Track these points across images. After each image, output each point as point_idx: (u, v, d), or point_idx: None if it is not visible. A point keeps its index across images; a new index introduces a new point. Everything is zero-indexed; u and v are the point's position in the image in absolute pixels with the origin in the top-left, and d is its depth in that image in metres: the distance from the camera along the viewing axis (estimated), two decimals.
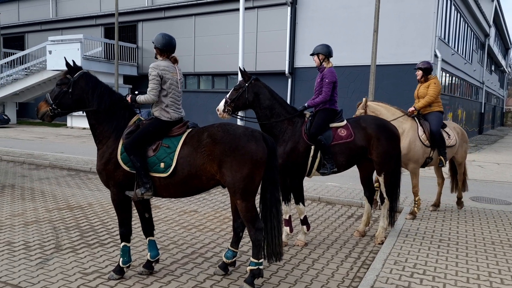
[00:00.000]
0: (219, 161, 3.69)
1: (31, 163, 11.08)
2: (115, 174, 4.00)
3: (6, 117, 23.09)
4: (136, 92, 4.29)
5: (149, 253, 4.27)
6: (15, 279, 4.04)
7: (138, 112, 4.29)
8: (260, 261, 3.84)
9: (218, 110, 5.17)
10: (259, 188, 3.94)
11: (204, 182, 3.86)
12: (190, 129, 4.08)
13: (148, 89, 4.06)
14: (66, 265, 4.40)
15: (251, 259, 3.86)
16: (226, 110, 5.11)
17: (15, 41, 29.81)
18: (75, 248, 4.92)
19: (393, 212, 5.56)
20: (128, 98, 4.15)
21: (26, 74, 23.96)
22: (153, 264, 4.29)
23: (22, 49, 27.91)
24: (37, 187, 8.26)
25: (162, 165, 3.85)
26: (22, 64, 24.81)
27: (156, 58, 4.21)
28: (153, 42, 4.18)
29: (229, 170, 3.67)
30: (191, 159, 3.79)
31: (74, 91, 4.04)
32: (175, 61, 4.24)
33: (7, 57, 26.38)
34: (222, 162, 3.68)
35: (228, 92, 5.22)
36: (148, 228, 4.35)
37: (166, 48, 4.14)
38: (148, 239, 4.33)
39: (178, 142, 3.92)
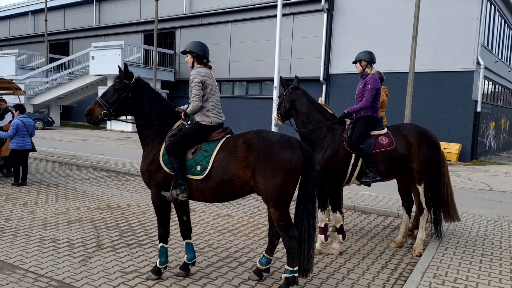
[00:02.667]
0: (253, 168, 3.71)
1: (74, 164, 11.57)
2: (156, 175, 4.12)
3: (50, 120, 24.23)
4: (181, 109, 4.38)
5: (186, 255, 4.36)
6: (59, 275, 4.23)
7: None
8: (295, 269, 3.83)
9: (275, 117, 5.64)
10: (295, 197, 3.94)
11: (238, 188, 3.89)
12: (229, 135, 4.15)
13: (191, 96, 4.16)
14: (107, 264, 4.57)
15: (286, 266, 3.86)
16: (278, 117, 5.44)
17: (61, 47, 31.30)
18: (115, 248, 5.09)
19: (438, 224, 5.41)
20: (182, 116, 4.25)
21: (70, 79, 25.07)
22: (189, 266, 4.38)
23: (67, 54, 29.29)
24: (79, 187, 8.62)
25: (198, 167, 3.94)
26: (67, 69, 26.04)
27: (192, 66, 4.27)
28: (186, 51, 4.24)
29: (262, 177, 3.67)
30: (225, 164, 3.85)
31: (134, 96, 4.18)
32: (210, 67, 4.35)
33: (53, 62, 27.72)
34: (255, 169, 3.70)
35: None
36: (186, 231, 4.45)
37: (204, 55, 4.26)
38: (185, 241, 4.43)
39: (216, 147, 4.00)
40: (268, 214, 4.24)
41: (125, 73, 4.20)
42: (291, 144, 3.78)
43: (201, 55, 4.23)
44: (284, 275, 3.88)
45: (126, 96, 4.15)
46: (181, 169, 3.96)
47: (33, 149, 8.71)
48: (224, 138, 4.09)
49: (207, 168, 3.91)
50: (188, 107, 4.25)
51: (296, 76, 5.56)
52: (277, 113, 5.44)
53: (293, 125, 5.41)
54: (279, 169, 3.65)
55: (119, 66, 4.27)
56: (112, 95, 4.17)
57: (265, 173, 3.67)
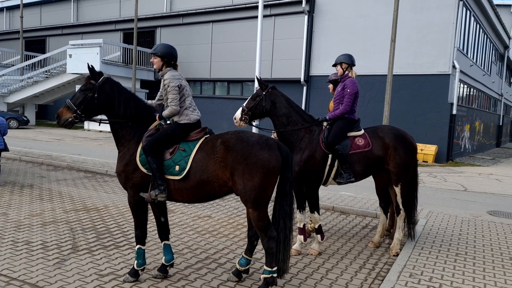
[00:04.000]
0: (231, 169, 3.71)
1: (49, 164, 11.29)
2: (133, 176, 4.07)
3: (25, 119, 23.60)
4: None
5: (164, 257, 4.31)
6: (33, 278, 4.11)
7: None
8: (274, 269, 3.83)
9: (235, 118, 5.23)
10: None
11: (217, 189, 3.88)
12: (207, 135, 4.14)
13: (168, 101, 4.14)
14: (83, 266, 4.47)
15: (265, 267, 3.86)
16: (243, 118, 5.16)
17: (37, 44, 30.57)
18: (91, 250, 4.99)
19: (411, 224, 5.51)
20: (157, 118, 4.22)
21: (46, 77, 24.50)
22: (167, 268, 4.33)
23: (43, 52, 28.61)
24: (55, 188, 8.41)
25: (177, 168, 3.92)
26: (43, 67, 25.43)
27: (160, 69, 4.23)
28: (154, 54, 4.21)
29: (241, 178, 3.68)
30: (204, 165, 3.84)
31: (100, 96, 4.11)
32: (176, 69, 4.34)
33: (28, 59, 27.03)
34: (234, 170, 3.70)
35: (244, 99, 5.31)
36: (164, 232, 4.40)
37: (174, 58, 4.26)
38: (163, 243, 4.37)
39: (194, 147, 3.98)
40: (247, 214, 4.23)
41: (91, 73, 4.13)
42: (269, 145, 3.79)
43: (167, 58, 4.21)
44: (262, 276, 3.88)
45: (92, 96, 4.08)
46: (159, 169, 3.92)
47: (5, 149, 8.46)
48: (203, 138, 4.07)
49: (185, 169, 3.89)
50: (158, 100, 4.30)
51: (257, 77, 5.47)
52: (245, 114, 5.12)
53: (258, 127, 5.70)
54: (257, 169, 3.66)
55: (88, 65, 4.19)
56: (78, 96, 4.11)
57: (243, 173, 3.67)
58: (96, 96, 4.09)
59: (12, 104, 25.57)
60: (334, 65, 5.45)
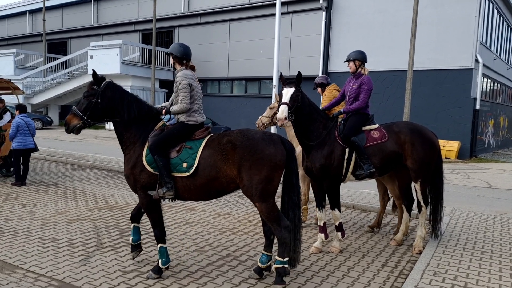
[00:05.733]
0: (239, 166, 3.83)
1: (73, 163, 11.56)
2: (140, 177, 4.16)
3: (49, 119, 24.20)
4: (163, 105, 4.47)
5: (131, 237, 4.57)
6: (59, 275, 4.22)
7: (163, 118, 4.44)
8: (286, 259, 3.93)
9: (278, 119, 4.59)
10: (281, 191, 4.09)
11: (225, 185, 4.00)
12: (212, 134, 4.26)
13: (179, 98, 4.22)
14: (107, 263, 4.56)
15: (277, 257, 3.93)
16: (290, 116, 4.62)
17: (59, 46, 31.26)
18: (115, 247, 5.09)
19: (437, 223, 5.42)
20: (163, 112, 4.33)
21: (69, 78, 25.04)
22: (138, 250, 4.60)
23: (65, 54, 29.25)
24: (79, 186, 8.61)
25: (184, 165, 4.02)
26: (65, 68, 26.01)
27: (174, 68, 4.37)
28: (168, 53, 4.34)
29: (247, 173, 3.80)
30: (211, 161, 3.95)
31: (103, 101, 4.18)
32: (193, 68, 4.42)
33: (51, 61, 27.67)
34: (241, 167, 3.83)
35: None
36: (138, 215, 4.62)
37: (186, 57, 4.32)
38: (133, 225, 4.61)
39: (200, 144, 4.09)
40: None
41: (94, 78, 4.20)
42: (274, 140, 3.96)
43: (179, 56, 4.29)
44: (274, 266, 3.97)
45: (95, 102, 4.15)
46: (166, 167, 4.02)
47: (35, 149, 8.70)
48: (208, 136, 4.20)
49: (193, 165, 3.99)
50: (171, 104, 4.35)
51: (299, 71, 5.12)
52: (289, 112, 4.60)
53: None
54: (264, 164, 3.82)
55: (93, 71, 4.27)
56: (83, 102, 4.20)
57: (250, 168, 3.81)
58: (99, 101, 4.16)
59: (36, 105, 26.24)
60: (347, 61, 5.41)
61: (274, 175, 3.86)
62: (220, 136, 4.10)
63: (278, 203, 4.13)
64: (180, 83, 4.20)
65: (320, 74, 18.90)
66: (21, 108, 8.66)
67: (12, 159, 8.68)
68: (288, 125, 5.24)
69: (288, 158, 3.98)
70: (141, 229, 5.81)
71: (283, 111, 4.56)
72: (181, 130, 4.20)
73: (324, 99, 6.37)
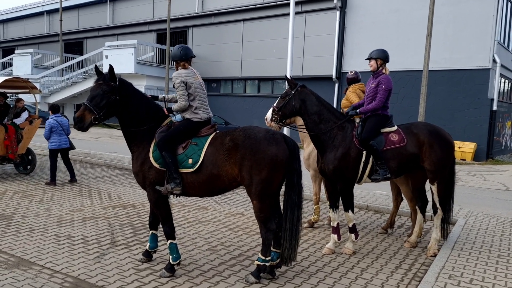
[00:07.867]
0: (240, 165, 3.89)
1: (88, 162, 11.71)
2: (149, 173, 4.23)
3: (65, 118, 24.54)
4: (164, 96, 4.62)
5: (148, 244, 4.62)
6: (74, 272, 4.29)
7: (171, 115, 4.50)
8: (268, 258, 4.07)
9: (266, 119, 5.24)
10: (283, 190, 4.13)
11: (227, 183, 4.07)
12: (217, 131, 4.33)
13: (177, 97, 4.34)
14: (121, 261, 4.61)
15: (259, 255, 4.10)
16: (273, 118, 5.12)
17: (75, 46, 31.74)
18: (129, 245, 5.14)
19: (446, 223, 5.34)
20: (165, 111, 4.42)
21: (84, 78, 25.39)
22: (151, 253, 4.64)
23: (81, 54, 29.68)
24: (93, 185, 8.72)
25: (190, 161, 4.10)
26: (81, 68, 26.38)
27: (177, 69, 4.48)
28: (173, 59, 4.46)
29: (248, 172, 3.86)
30: (214, 159, 4.02)
31: (121, 98, 4.21)
32: (186, 67, 4.45)
33: (67, 61, 28.10)
34: (242, 166, 3.88)
35: (275, 97, 5.29)
36: (155, 223, 4.66)
37: (182, 58, 4.40)
38: (151, 232, 4.64)
39: (206, 141, 4.17)
40: None
41: (110, 75, 4.17)
42: (276, 139, 3.99)
43: (177, 59, 4.41)
44: (256, 262, 4.12)
45: (115, 98, 4.17)
46: (174, 163, 4.10)
47: (71, 147, 8.81)
48: (213, 134, 4.26)
49: (198, 161, 4.07)
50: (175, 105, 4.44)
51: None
52: (276, 114, 5.02)
53: (290, 127, 5.61)
54: (265, 164, 3.86)
55: (110, 67, 4.24)
56: (102, 99, 4.11)
57: (251, 168, 3.86)
58: (118, 98, 4.18)
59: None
60: (368, 59, 5.32)
61: (274, 175, 3.90)
62: (223, 134, 4.17)
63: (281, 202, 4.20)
64: (174, 83, 4.33)
65: (334, 74, 18.79)
66: (53, 108, 8.74)
67: (49, 159, 8.62)
68: (276, 128, 5.32)
69: (290, 157, 4.00)
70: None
71: (268, 113, 5.10)
72: (188, 127, 4.29)
73: (346, 99, 6.17)
